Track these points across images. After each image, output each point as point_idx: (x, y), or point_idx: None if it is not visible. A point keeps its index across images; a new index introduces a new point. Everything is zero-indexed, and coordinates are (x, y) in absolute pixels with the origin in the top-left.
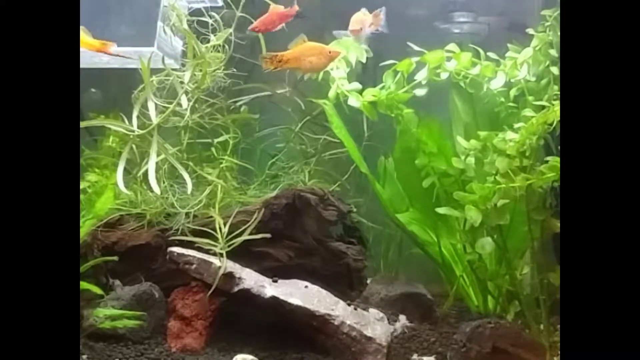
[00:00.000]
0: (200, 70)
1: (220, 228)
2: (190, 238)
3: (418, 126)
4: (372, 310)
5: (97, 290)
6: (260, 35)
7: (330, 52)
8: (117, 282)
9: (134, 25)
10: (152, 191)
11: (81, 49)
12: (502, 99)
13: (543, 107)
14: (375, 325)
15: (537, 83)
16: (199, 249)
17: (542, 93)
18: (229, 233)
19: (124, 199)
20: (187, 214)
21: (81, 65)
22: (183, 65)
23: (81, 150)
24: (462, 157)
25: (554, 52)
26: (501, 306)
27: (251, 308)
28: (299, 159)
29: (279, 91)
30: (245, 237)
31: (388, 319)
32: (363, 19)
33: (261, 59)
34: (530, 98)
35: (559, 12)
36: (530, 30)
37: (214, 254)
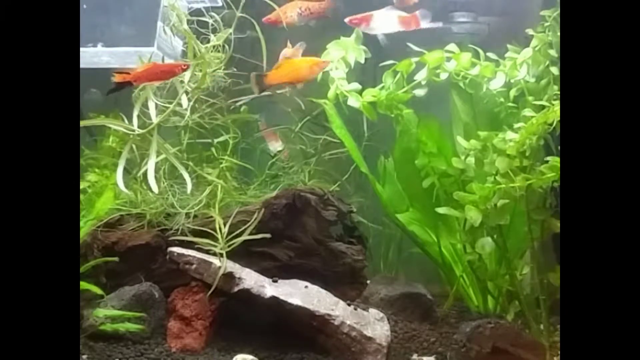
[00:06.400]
0: (200, 70)
1: (220, 228)
2: (190, 238)
3: (418, 126)
4: (372, 310)
5: (97, 290)
6: (260, 35)
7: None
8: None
9: (134, 25)
10: (152, 191)
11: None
12: (502, 99)
13: (543, 107)
14: (375, 325)
15: (537, 83)
16: (199, 249)
17: (542, 93)
18: (229, 233)
19: (124, 199)
20: (187, 214)
21: (81, 65)
22: None
23: (81, 150)
24: (462, 157)
25: (554, 52)
26: (501, 306)
27: (251, 308)
28: (299, 159)
29: (279, 91)
30: (245, 237)
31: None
32: (289, 54)
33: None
34: (530, 98)
35: (558, 12)
36: (530, 31)
37: (214, 254)
